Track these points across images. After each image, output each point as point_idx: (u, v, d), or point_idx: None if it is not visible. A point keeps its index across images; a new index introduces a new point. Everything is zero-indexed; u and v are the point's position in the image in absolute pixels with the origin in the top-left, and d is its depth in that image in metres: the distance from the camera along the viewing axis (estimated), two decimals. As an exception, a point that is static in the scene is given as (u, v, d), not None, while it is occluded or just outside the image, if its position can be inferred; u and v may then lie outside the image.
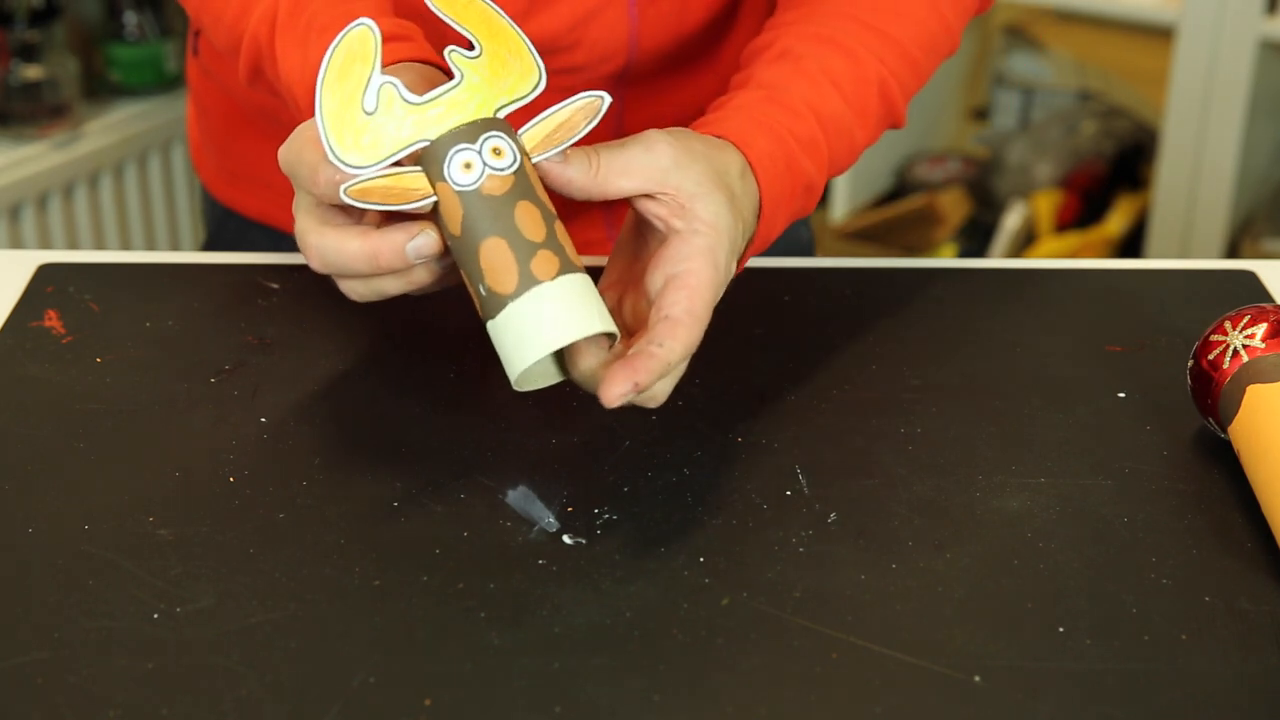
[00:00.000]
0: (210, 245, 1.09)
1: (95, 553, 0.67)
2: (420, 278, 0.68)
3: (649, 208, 0.69)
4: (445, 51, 0.67)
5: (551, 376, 0.69)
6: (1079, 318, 0.88)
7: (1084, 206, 2.46)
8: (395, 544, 0.68)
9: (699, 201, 0.68)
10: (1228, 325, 0.75)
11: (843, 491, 0.72)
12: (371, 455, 0.74)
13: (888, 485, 0.73)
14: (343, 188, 0.65)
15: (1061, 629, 0.63)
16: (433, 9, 0.67)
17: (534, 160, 0.67)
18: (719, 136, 0.73)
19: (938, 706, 0.59)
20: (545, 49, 0.67)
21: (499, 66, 0.67)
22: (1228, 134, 2.12)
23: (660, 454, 0.74)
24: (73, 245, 1.97)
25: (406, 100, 0.66)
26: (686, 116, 0.95)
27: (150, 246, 2.11)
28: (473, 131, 0.66)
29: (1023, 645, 0.63)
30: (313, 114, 0.66)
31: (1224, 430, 0.74)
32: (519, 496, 0.71)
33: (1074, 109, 2.54)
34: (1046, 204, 2.42)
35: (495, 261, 0.65)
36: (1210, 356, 0.74)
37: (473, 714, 0.59)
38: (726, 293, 0.71)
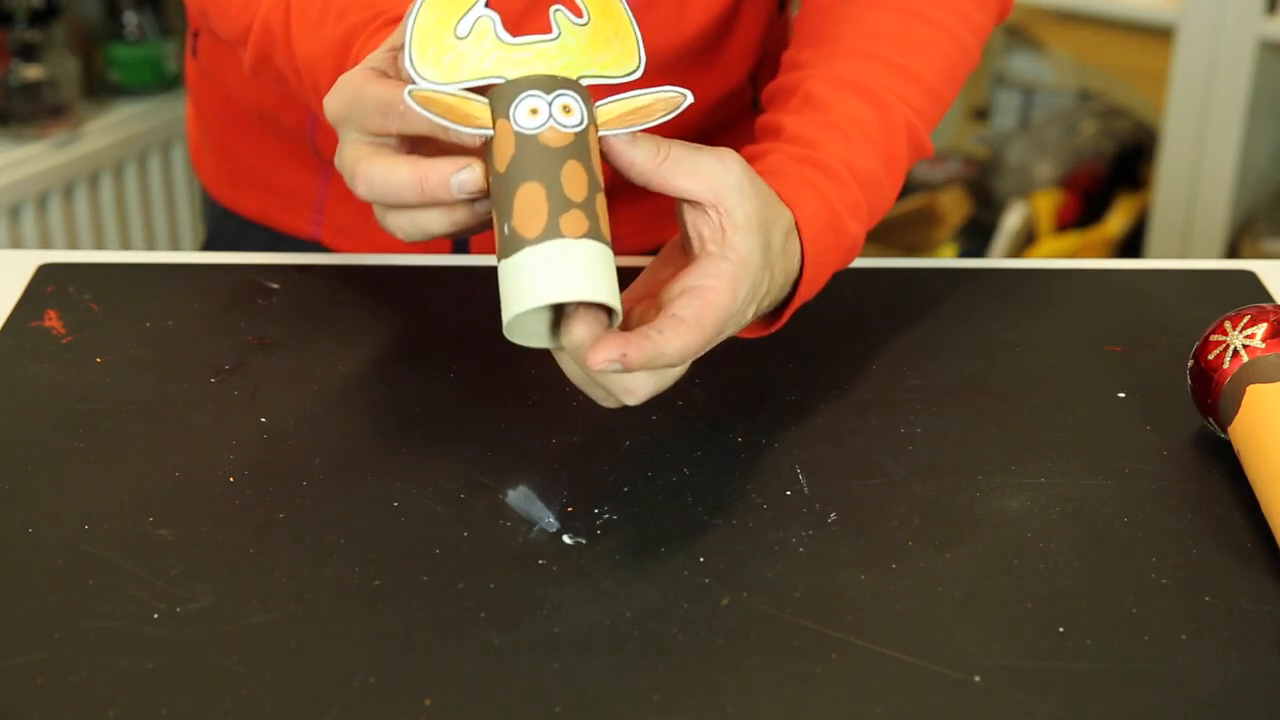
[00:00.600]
0: (209, 245, 1.09)
1: (95, 553, 0.67)
2: (463, 217, 0.67)
3: (694, 220, 0.69)
4: (551, 9, 0.67)
5: (543, 339, 0.68)
6: (1079, 318, 0.88)
7: (1084, 206, 2.45)
8: (395, 544, 0.68)
9: (740, 234, 0.68)
10: (1228, 325, 0.75)
11: (842, 491, 0.72)
12: (371, 455, 0.74)
13: (888, 485, 0.73)
14: (408, 89, 0.64)
15: (1061, 629, 0.63)
16: None
17: (602, 134, 0.67)
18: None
19: (938, 706, 0.59)
20: None
21: (600, 41, 0.67)
22: (1228, 134, 2.12)
23: (660, 454, 0.74)
24: (73, 245, 1.97)
25: (499, 36, 0.66)
26: (688, 120, 0.95)
27: (150, 246, 2.11)
28: (550, 84, 0.65)
29: (1022, 645, 0.63)
30: (327, 91, 0.65)
31: (1224, 430, 0.74)
32: (519, 496, 0.71)
33: (1074, 109, 2.54)
34: (1046, 204, 2.42)
35: (528, 204, 0.64)
36: (1210, 356, 0.74)
37: (473, 714, 0.59)
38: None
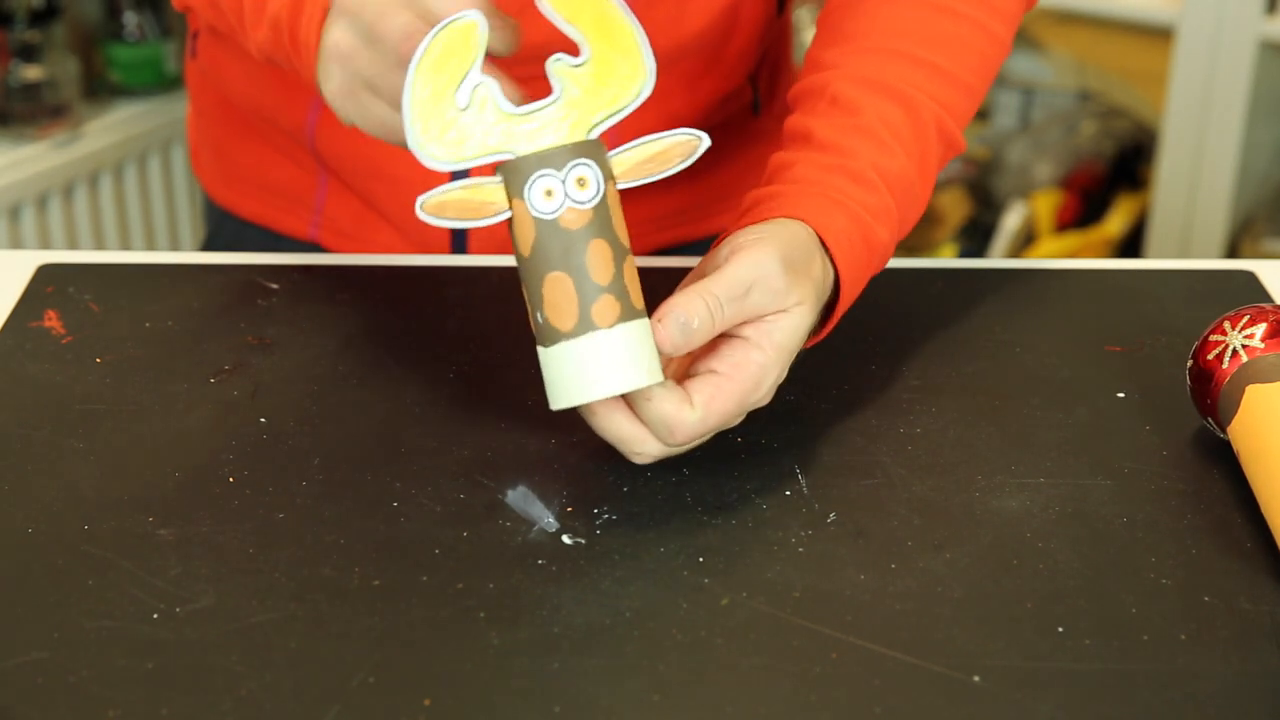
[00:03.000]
0: (209, 245, 1.09)
1: (95, 553, 0.67)
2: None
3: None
4: (547, 63, 0.65)
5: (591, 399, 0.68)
6: (1079, 318, 0.88)
7: (1084, 206, 2.45)
8: (395, 544, 0.68)
9: (783, 320, 0.70)
10: (1227, 325, 0.75)
11: (842, 491, 0.72)
12: (371, 455, 0.74)
13: (887, 485, 0.73)
14: (420, 201, 0.64)
15: (1061, 629, 0.63)
16: (543, 9, 0.65)
17: (620, 186, 0.66)
18: (794, 217, 0.73)
19: (937, 706, 0.59)
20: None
21: (604, 73, 0.65)
22: (1228, 134, 2.12)
23: (660, 454, 0.74)
24: (73, 245, 1.97)
25: (500, 107, 0.64)
26: (686, 121, 0.95)
27: (150, 246, 2.11)
28: (561, 157, 0.64)
29: (1022, 645, 0.63)
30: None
31: (1223, 430, 0.74)
32: (519, 496, 0.71)
33: (1074, 109, 2.54)
34: (1046, 204, 2.42)
35: (557, 297, 0.65)
36: (1209, 356, 0.74)
37: (473, 714, 0.59)
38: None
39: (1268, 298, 0.91)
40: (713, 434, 0.71)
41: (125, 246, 2.07)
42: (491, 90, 0.64)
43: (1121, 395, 0.80)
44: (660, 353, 0.67)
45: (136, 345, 0.83)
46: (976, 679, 0.61)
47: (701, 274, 0.71)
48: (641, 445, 0.69)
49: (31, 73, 1.89)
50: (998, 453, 0.75)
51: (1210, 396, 0.74)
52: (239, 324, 0.85)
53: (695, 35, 0.92)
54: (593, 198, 0.65)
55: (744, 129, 1.02)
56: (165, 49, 2.05)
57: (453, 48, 0.63)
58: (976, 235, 2.47)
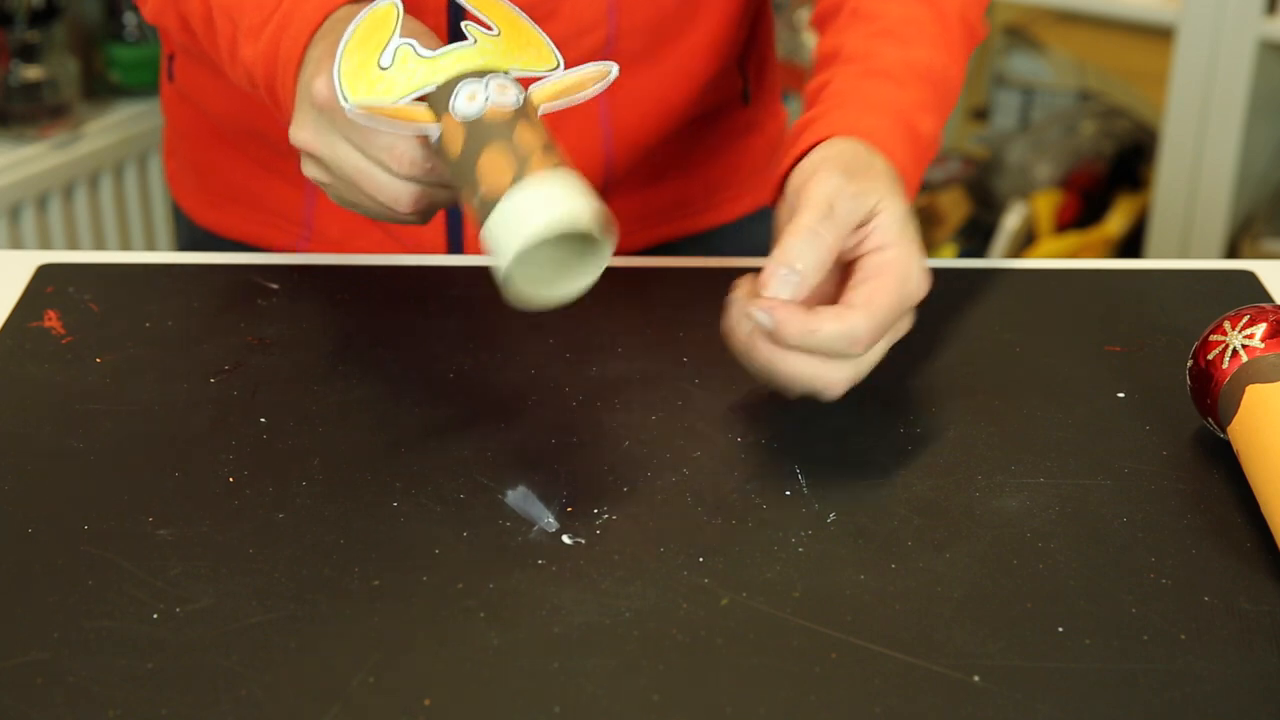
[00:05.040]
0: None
1: (95, 553, 0.67)
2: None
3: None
4: (462, 25, 0.69)
5: (552, 286, 0.67)
6: (1079, 318, 0.88)
7: (1084, 207, 2.45)
8: (395, 544, 0.68)
9: (884, 215, 0.72)
10: (1227, 325, 0.75)
11: (842, 491, 0.72)
12: (371, 455, 0.74)
13: (887, 485, 0.73)
14: (348, 105, 0.67)
15: (1061, 629, 0.63)
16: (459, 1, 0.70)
17: (541, 110, 0.68)
18: (837, 134, 0.75)
19: (937, 706, 0.59)
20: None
21: (515, 47, 0.70)
22: (1228, 134, 2.12)
23: (660, 454, 0.74)
24: (73, 245, 1.97)
25: (420, 55, 0.68)
26: (674, 105, 0.94)
27: (150, 246, 2.11)
28: (480, 74, 0.68)
29: (1022, 645, 0.63)
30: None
31: (1223, 430, 0.74)
32: (519, 496, 0.71)
33: (1074, 109, 2.54)
34: (1046, 204, 2.41)
35: (492, 165, 0.65)
36: (1209, 356, 0.74)
37: (472, 714, 0.59)
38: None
39: (1268, 298, 0.91)
40: (889, 340, 0.72)
41: (125, 246, 2.07)
42: (412, 45, 0.68)
43: (1121, 395, 0.80)
44: (791, 302, 0.69)
45: (136, 345, 0.83)
46: (976, 679, 0.61)
47: (780, 226, 0.73)
48: (832, 373, 0.70)
49: (31, 73, 1.89)
50: (998, 453, 0.75)
51: (1210, 396, 0.74)
52: (239, 324, 0.85)
53: (673, 7, 0.92)
54: (514, 101, 0.67)
55: (735, 120, 1.02)
56: (165, 49, 2.05)
57: (373, 26, 0.68)
58: (976, 235, 2.47)
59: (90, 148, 1.96)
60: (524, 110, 0.67)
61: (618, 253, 0.68)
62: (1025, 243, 2.42)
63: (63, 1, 1.94)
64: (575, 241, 0.65)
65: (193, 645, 0.62)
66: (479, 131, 0.66)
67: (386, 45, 0.68)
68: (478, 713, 0.59)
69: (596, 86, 0.70)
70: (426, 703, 0.59)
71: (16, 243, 1.88)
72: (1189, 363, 0.76)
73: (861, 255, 0.72)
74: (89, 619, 0.63)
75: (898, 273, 0.71)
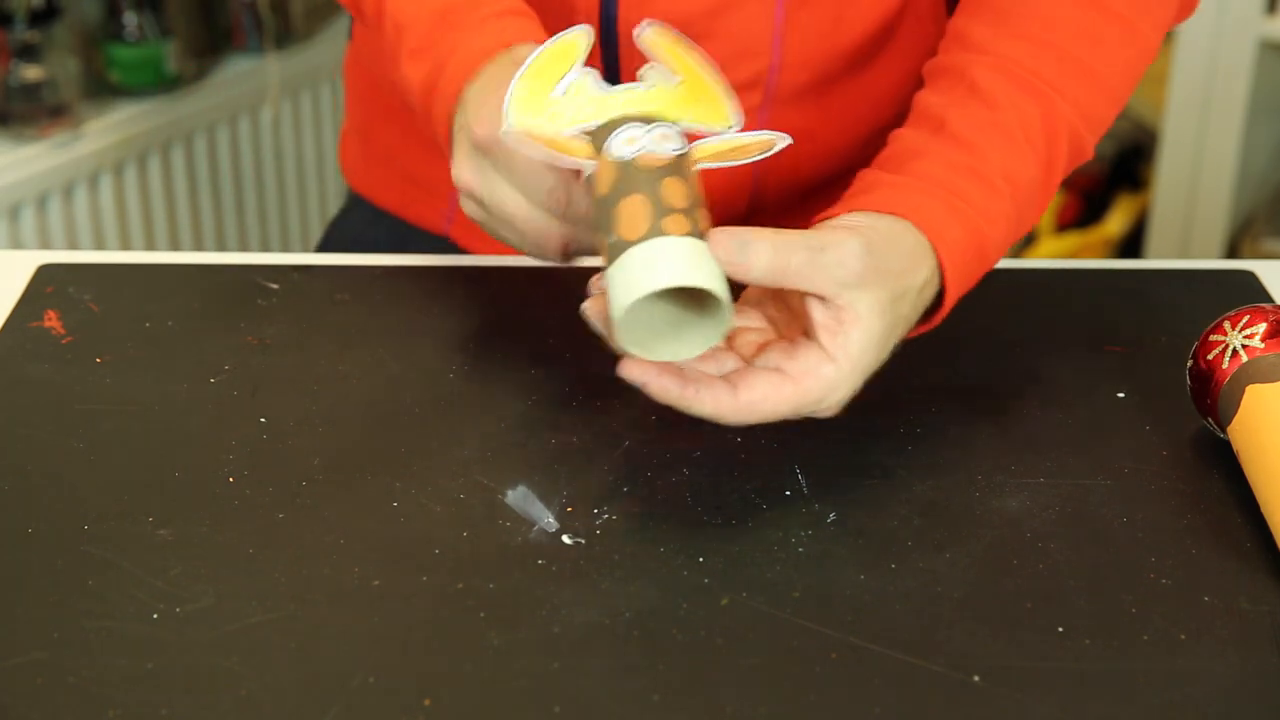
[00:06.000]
0: (336, 224, 1.09)
1: (95, 553, 0.67)
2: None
3: (811, 302, 0.67)
4: (644, 67, 0.69)
5: (662, 340, 0.67)
6: (1079, 318, 0.88)
7: (1084, 206, 2.45)
8: (395, 544, 0.68)
9: (859, 329, 0.67)
10: (1227, 325, 0.75)
11: (842, 491, 0.72)
12: (371, 455, 0.74)
13: (887, 485, 0.73)
14: (504, 128, 0.67)
15: (1061, 629, 0.63)
16: (640, 45, 0.69)
17: (699, 167, 0.67)
18: (908, 217, 0.70)
19: (937, 706, 0.59)
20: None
21: (693, 99, 0.69)
22: (1228, 134, 2.12)
23: (660, 454, 0.74)
24: (73, 245, 1.97)
25: (594, 90, 0.68)
26: (835, 140, 0.91)
27: (150, 246, 2.11)
28: (647, 120, 0.67)
29: (1022, 645, 0.63)
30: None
31: (1223, 430, 0.74)
32: (518, 496, 0.71)
33: (1074, 109, 2.53)
34: (1046, 204, 2.41)
35: (631, 212, 0.65)
36: (1209, 356, 0.74)
37: (473, 714, 0.59)
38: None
39: (1268, 298, 0.91)
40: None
41: (125, 246, 2.06)
42: (592, 76, 0.68)
43: (1121, 395, 0.80)
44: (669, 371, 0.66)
45: (136, 345, 0.83)
46: (976, 679, 0.61)
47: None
48: (691, 406, 0.67)
49: (31, 73, 1.89)
50: (998, 453, 0.75)
51: (1210, 396, 0.74)
52: (239, 324, 0.85)
53: (848, 48, 0.86)
54: (674, 150, 0.66)
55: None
56: (165, 49, 2.05)
57: (557, 55, 0.68)
58: (976, 235, 2.47)
59: (90, 148, 1.96)
60: (679, 164, 0.66)
61: None
62: (1025, 243, 2.42)
63: (63, 1, 1.94)
64: (693, 305, 0.66)
65: (193, 645, 0.62)
66: (628, 176, 0.65)
67: (565, 75, 0.68)
68: (478, 713, 0.59)
69: (760, 155, 0.68)
70: (426, 703, 0.59)
71: (16, 243, 1.88)
72: (1189, 363, 0.76)
73: (801, 338, 0.68)
74: (89, 619, 0.63)
75: (808, 388, 0.67)
